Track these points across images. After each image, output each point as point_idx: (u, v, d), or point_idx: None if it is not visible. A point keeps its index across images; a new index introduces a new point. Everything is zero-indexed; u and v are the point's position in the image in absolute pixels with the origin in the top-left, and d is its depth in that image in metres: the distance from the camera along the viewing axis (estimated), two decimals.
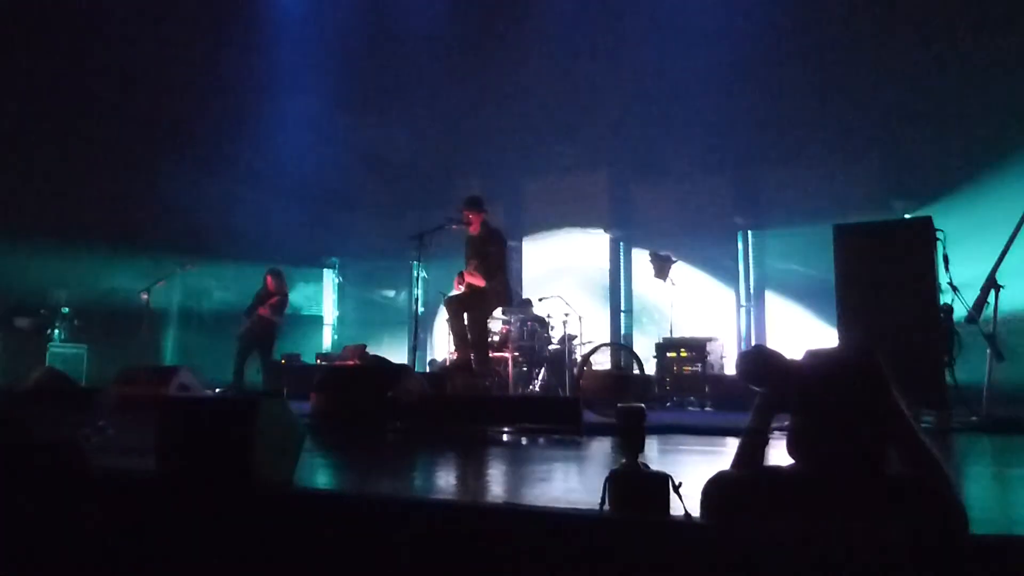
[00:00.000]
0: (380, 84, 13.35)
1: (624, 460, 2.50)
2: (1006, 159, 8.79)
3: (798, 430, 1.83)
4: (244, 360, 10.03)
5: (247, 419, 3.23)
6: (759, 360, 2.14)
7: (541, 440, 5.70)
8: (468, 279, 7.63)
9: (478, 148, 13.01)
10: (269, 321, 10.28)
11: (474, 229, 7.82)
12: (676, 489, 2.39)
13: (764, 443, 2.05)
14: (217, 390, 9.43)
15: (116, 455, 4.17)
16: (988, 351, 6.13)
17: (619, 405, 2.55)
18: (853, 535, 1.67)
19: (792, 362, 2.04)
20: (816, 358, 1.89)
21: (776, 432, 2.13)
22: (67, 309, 12.91)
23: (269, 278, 10.52)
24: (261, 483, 3.15)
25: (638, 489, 2.43)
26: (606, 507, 2.42)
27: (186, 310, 13.50)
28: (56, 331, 12.71)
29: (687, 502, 2.26)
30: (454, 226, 7.91)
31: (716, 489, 1.92)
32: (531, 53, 11.95)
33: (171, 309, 13.21)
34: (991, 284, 6.17)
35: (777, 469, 1.91)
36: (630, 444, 2.50)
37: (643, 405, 2.54)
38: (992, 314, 6.15)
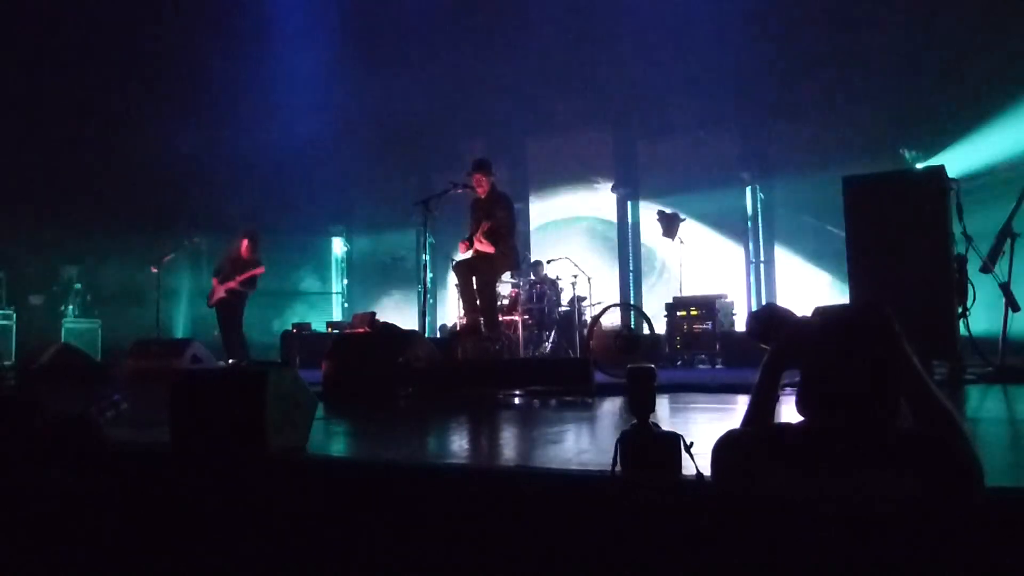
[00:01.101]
0: (382, 45, 13.19)
1: (635, 421, 2.49)
2: (1018, 104, 8.62)
3: (807, 387, 1.81)
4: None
5: (257, 389, 3.24)
6: (768, 318, 2.12)
7: (552, 402, 5.71)
8: (477, 245, 7.59)
9: (481, 107, 12.90)
10: (242, 293, 9.62)
11: (482, 192, 7.75)
12: (687, 449, 2.38)
13: (774, 401, 2.03)
14: (231, 361, 9.47)
15: (131, 428, 4.20)
16: (1004, 301, 6.06)
17: (628, 366, 2.53)
18: (865, 491, 1.65)
19: (801, 319, 2.02)
20: (825, 314, 1.86)
21: (788, 389, 2.11)
22: (79, 285, 13.02)
23: (246, 242, 9.64)
24: (274, 452, 3.17)
25: (649, 449, 2.42)
26: (618, 468, 2.42)
27: (195, 282, 13.54)
28: (70, 307, 12.82)
29: (699, 461, 2.25)
30: (459, 190, 7.86)
31: (726, 448, 1.90)
32: (533, 9, 11.77)
33: (181, 281, 13.26)
34: (1006, 233, 6.09)
35: (787, 426, 1.89)
36: (640, 404, 2.49)
37: (652, 365, 2.52)
38: (1008, 263, 6.07)
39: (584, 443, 3.69)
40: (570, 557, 2.42)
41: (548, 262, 10.49)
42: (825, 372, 1.79)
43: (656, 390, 2.56)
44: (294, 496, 2.97)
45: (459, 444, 3.96)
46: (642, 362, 2.57)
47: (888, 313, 1.81)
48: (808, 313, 2.02)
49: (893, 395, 1.75)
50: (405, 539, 2.71)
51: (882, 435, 1.73)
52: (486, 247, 7.51)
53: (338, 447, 3.99)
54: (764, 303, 10.82)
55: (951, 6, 9.25)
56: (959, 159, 8.39)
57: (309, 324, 12.32)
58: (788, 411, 2.00)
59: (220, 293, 9.58)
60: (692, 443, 2.38)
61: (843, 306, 1.95)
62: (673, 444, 2.40)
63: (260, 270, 9.65)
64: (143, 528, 3.13)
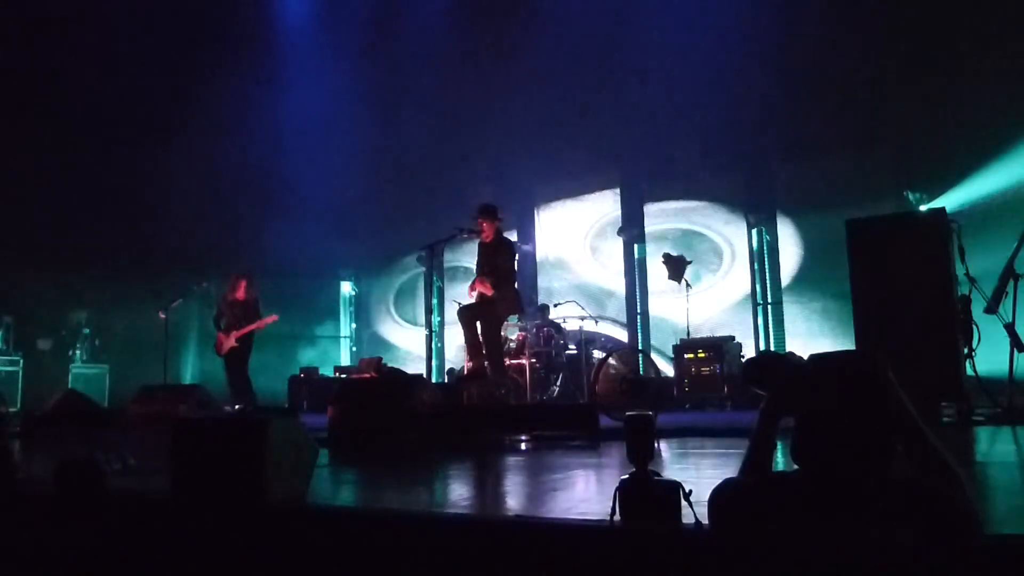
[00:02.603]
0: (391, 90, 13.39)
1: (634, 469, 2.48)
2: (1019, 147, 8.67)
3: (802, 435, 1.80)
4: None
5: (258, 437, 3.23)
6: (763, 365, 2.12)
7: (557, 447, 5.67)
8: (478, 287, 7.64)
9: (489, 152, 13.02)
10: (251, 338, 9.46)
11: (487, 237, 7.81)
12: (686, 497, 2.36)
13: (771, 448, 2.03)
14: (237, 407, 9.45)
15: (134, 476, 4.20)
16: (1009, 341, 6.03)
17: (626, 414, 2.53)
18: (860, 541, 1.63)
19: (797, 365, 2.02)
20: (819, 361, 1.86)
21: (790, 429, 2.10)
22: (88, 330, 13.08)
23: (244, 283, 9.37)
24: (273, 501, 3.15)
25: (647, 498, 2.40)
26: (616, 517, 2.40)
27: (203, 327, 13.59)
28: (78, 352, 12.87)
29: (698, 509, 2.24)
30: (465, 235, 7.92)
31: (722, 497, 1.89)
32: (539, 54, 11.94)
33: (189, 326, 13.30)
34: (1009, 274, 6.09)
35: (784, 475, 1.88)
36: (639, 453, 2.47)
37: (651, 412, 2.51)
38: (1011, 304, 6.06)
39: (586, 491, 3.66)
40: None
41: (555, 305, 10.51)
42: (820, 420, 1.79)
43: (657, 436, 2.55)
44: (294, 546, 2.95)
45: (462, 492, 3.94)
46: (648, 406, 2.57)
47: (882, 361, 1.81)
48: (806, 358, 2.01)
49: (888, 443, 1.75)
50: None
51: (877, 483, 1.71)
52: (486, 288, 7.56)
53: (340, 495, 3.97)
54: (762, 350, 10.78)
55: (957, 48, 9.34)
56: (963, 200, 8.43)
57: (316, 369, 12.31)
58: (786, 456, 1.99)
59: (232, 343, 9.37)
60: (691, 491, 2.36)
61: (838, 353, 1.95)
62: (672, 492, 2.39)
63: (274, 318, 9.53)
64: None
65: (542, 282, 13.07)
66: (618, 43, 11.99)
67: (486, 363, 7.56)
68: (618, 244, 12.62)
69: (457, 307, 8.26)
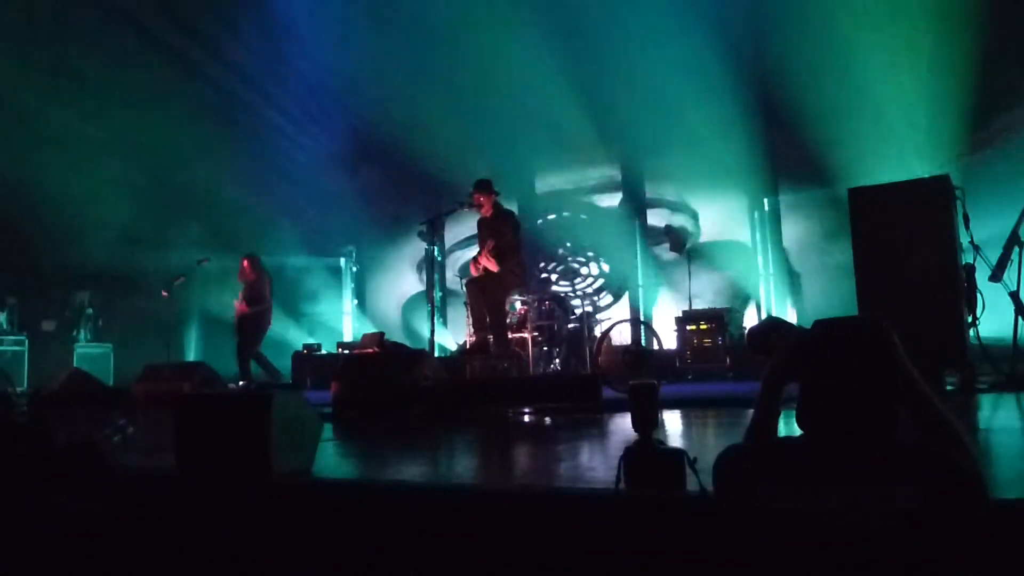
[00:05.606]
0: (388, 67, 13.25)
1: (638, 437, 2.48)
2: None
3: (806, 400, 1.80)
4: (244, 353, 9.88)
5: (262, 412, 3.25)
6: (768, 331, 2.11)
7: (560, 419, 5.68)
8: (483, 262, 7.62)
9: (488, 125, 12.91)
10: (247, 316, 9.85)
11: (486, 211, 7.80)
12: (691, 464, 2.37)
13: (776, 414, 2.02)
14: (241, 383, 9.51)
15: (140, 453, 4.22)
16: (1013, 309, 6.01)
17: (630, 382, 2.53)
18: (866, 505, 1.63)
19: (801, 331, 2.01)
20: (824, 327, 1.85)
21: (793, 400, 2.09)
22: (91, 310, 13.10)
23: (245, 263, 10.05)
24: (278, 475, 3.17)
25: (652, 466, 2.41)
26: (621, 485, 2.41)
27: (206, 305, 13.58)
28: (81, 332, 12.90)
29: (703, 477, 2.24)
30: (465, 208, 7.90)
31: (727, 462, 1.89)
32: (537, 27, 11.81)
33: (192, 305, 13.31)
34: (1014, 241, 6.05)
35: (788, 440, 1.88)
36: (643, 420, 2.48)
37: (655, 381, 2.51)
38: (1016, 272, 6.03)
39: (590, 460, 3.67)
40: (576, 574, 2.41)
41: (555, 277, 10.50)
42: (824, 386, 1.78)
43: (663, 405, 2.55)
44: (299, 519, 2.97)
45: (465, 464, 3.96)
46: (651, 377, 2.57)
47: (887, 326, 1.80)
48: (809, 326, 2.00)
49: (893, 408, 1.74)
50: (410, 560, 2.70)
51: (882, 448, 1.71)
52: (491, 264, 7.54)
53: (345, 468, 3.99)
54: (766, 316, 10.78)
55: (960, 12, 9.22)
56: (966, 167, 8.35)
57: (319, 345, 12.33)
58: (791, 424, 1.99)
59: (236, 319, 9.92)
60: (696, 458, 2.36)
61: (843, 319, 1.94)
62: (676, 460, 2.39)
63: (244, 308, 9.80)
64: (149, 553, 3.13)
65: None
66: (613, 17, 11.85)
67: (489, 337, 7.57)
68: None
69: (462, 281, 8.26)
